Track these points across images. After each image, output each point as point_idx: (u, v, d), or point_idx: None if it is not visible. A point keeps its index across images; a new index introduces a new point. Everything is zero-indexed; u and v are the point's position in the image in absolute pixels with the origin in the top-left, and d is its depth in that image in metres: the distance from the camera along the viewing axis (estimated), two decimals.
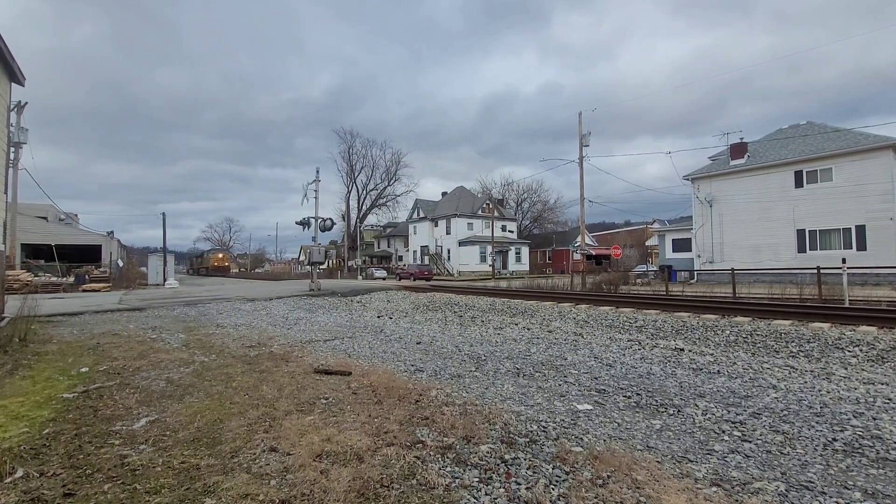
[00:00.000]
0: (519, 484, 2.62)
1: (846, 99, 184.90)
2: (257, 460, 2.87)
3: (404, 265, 48.51)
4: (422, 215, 56.79)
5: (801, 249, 22.03)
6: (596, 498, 2.46)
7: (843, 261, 13.49)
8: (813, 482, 2.70)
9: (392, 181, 65.84)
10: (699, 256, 25.80)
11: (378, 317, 12.03)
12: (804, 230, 22.04)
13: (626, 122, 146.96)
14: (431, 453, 2.99)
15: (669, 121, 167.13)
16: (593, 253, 47.40)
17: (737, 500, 2.48)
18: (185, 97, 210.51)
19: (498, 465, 2.86)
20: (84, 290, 20.76)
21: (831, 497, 2.53)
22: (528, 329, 9.47)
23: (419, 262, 51.19)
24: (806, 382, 5.09)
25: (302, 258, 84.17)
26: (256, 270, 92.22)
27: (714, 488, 2.61)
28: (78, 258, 32.33)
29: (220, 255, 71.77)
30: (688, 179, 26.85)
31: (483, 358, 6.38)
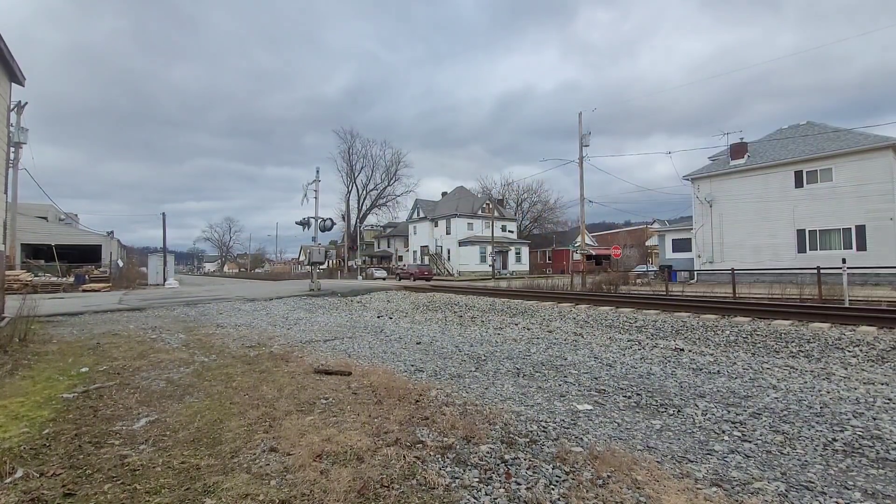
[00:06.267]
0: (519, 484, 2.62)
1: (867, 97, 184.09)
2: (257, 460, 2.87)
3: (404, 265, 48.50)
4: (422, 215, 56.80)
5: (801, 249, 22.03)
6: (596, 498, 2.46)
7: (844, 261, 13.50)
8: (813, 482, 2.70)
9: (392, 181, 65.91)
10: (699, 256, 25.80)
11: (378, 317, 12.03)
12: (804, 230, 22.04)
13: (642, 121, 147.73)
14: (431, 453, 2.99)
15: (686, 119, 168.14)
16: (593, 253, 47.41)
17: (737, 501, 2.48)
18: (198, 95, 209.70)
19: (498, 465, 2.86)
20: (84, 290, 20.76)
21: (831, 497, 2.53)
22: (528, 329, 9.47)
23: (419, 263, 51.19)
24: (806, 382, 5.09)
25: (302, 258, 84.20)
26: (256, 270, 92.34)
27: (714, 488, 2.61)
28: (78, 258, 32.34)
29: None
30: (688, 179, 26.85)
31: (483, 358, 6.37)
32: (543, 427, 3.56)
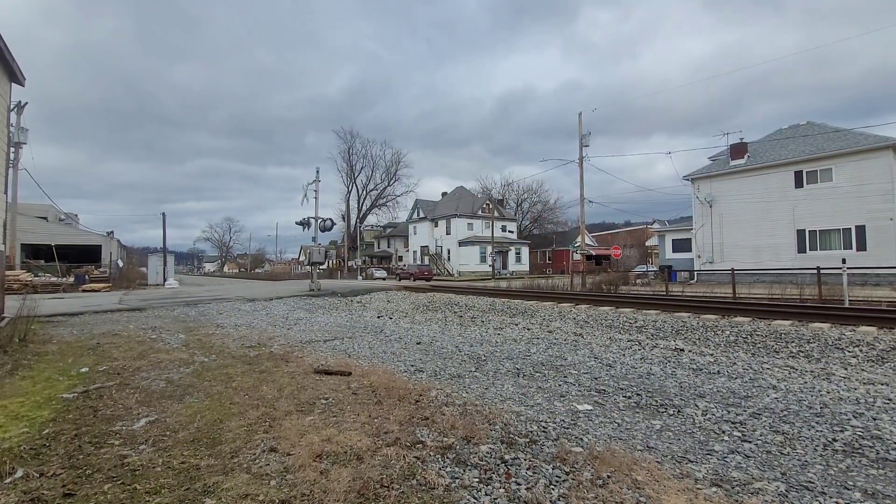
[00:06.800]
0: (519, 484, 2.62)
1: (867, 97, 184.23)
2: (257, 460, 2.87)
3: (404, 265, 48.50)
4: (422, 215, 56.82)
5: (801, 250, 22.03)
6: (596, 498, 2.46)
7: (843, 261, 13.49)
8: (813, 482, 2.70)
9: (392, 181, 65.98)
10: (699, 257, 25.80)
11: (378, 317, 12.03)
12: (804, 230, 22.04)
13: (642, 121, 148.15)
14: (431, 453, 2.99)
15: (686, 119, 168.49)
16: (593, 253, 47.41)
17: (737, 501, 2.48)
18: (198, 94, 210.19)
19: (498, 465, 2.86)
20: (84, 291, 20.75)
21: (831, 497, 2.53)
22: (528, 329, 9.47)
23: (419, 263, 51.18)
24: (806, 383, 5.09)
25: (302, 258, 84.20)
26: (256, 271, 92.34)
27: (714, 488, 2.61)
28: (78, 258, 32.34)
29: None
30: (688, 180, 26.84)
31: (483, 358, 6.37)
32: (543, 427, 3.56)
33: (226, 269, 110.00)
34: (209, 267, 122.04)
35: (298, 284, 25.83)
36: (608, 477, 2.70)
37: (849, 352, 6.64)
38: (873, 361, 6.18)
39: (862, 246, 20.27)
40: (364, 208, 65.86)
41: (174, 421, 3.63)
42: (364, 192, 65.49)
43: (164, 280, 29.35)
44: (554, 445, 3.19)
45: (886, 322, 7.97)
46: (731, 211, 24.69)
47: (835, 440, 3.36)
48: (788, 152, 23.21)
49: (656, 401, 4.35)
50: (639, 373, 5.54)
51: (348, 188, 64.55)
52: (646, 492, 2.53)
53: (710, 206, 25.37)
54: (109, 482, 2.60)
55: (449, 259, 51.23)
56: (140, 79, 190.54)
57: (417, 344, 7.62)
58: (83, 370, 5.43)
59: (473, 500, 2.43)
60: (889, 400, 4.38)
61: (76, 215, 41.22)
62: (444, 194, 61.20)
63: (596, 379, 5.22)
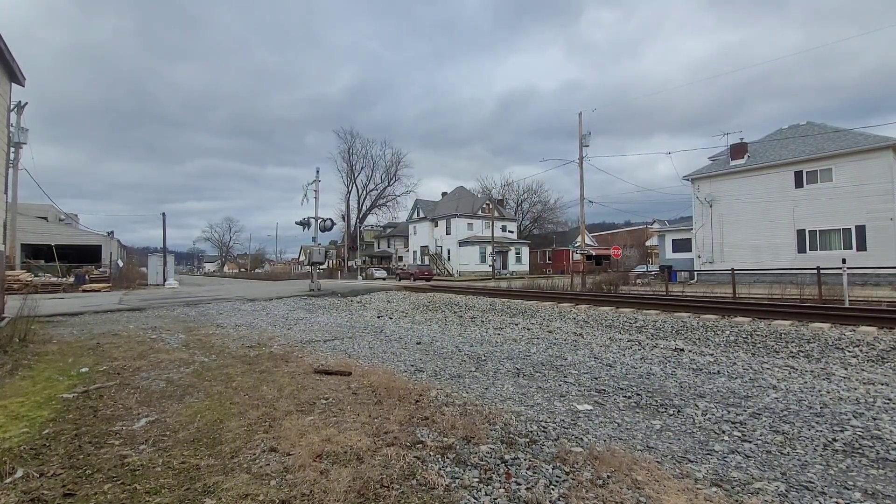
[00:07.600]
0: (519, 484, 2.62)
1: (868, 97, 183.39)
2: (257, 460, 2.87)
3: (404, 265, 48.51)
4: (422, 215, 56.82)
5: (801, 250, 22.03)
6: (596, 498, 2.46)
7: (843, 261, 13.49)
8: (813, 482, 2.70)
9: (392, 181, 65.98)
10: (699, 257, 25.80)
11: (378, 317, 12.03)
12: (804, 230, 22.04)
13: (643, 121, 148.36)
14: (431, 453, 2.99)
15: (687, 119, 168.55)
16: (593, 253, 47.40)
17: (737, 501, 2.47)
18: (199, 94, 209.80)
19: (498, 465, 2.86)
20: (84, 291, 20.75)
21: (831, 497, 2.53)
22: (528, 329, 9.47)
23: (419, 263, 51.19)
24: (806, 383, 5.09)
25: (302, 258, 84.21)
26: (256, 271, 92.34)
27: (714, 488, 2.61)
28: (78, 258, 32.34)
29: None
30: (688, 180, 26.84)
31: (483, 358, 6.37)
32: (543, 427, 3.56)
33: (226, 269, 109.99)
34: (209, 267, 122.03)
35: (298, 284, 25.83)
36: (608, 477, 2.70)
37: (849, 352, 6.64)
38: (873, 361, 6.18)
39: (862, 246, 20.27)
40: (364, 208, 65.90)
41: (174, 421, 3.63)
42: (364, 192, 65.55)
43: (164, 280, 29.34)
44: (554, 445, 3.19)
45: (886, 322, 7.97)
46: (731, 211, 24.69)
47: (835, 440, 3.36)
48: (788, 152, 23.21)
49: (656, 401, 4.35)
50: (639, 373, 5.54)
51: (348, 188, 64.63)
52: (646, 492, 2.53)
53: (710, 206, 25.37)
54: (109, 482, 2.60)
55: (449, 259, 51.23)
56: (140, 79, 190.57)
57: (417, 344, 7.62)
58: (83, 370, 5.43)
59: (473, 500, 2.43)
60: (889, 400, 4.38)
61: (76, 215, 41.19)
62: (444, 194, 61.19)
63: (596, 379, 5.22)
